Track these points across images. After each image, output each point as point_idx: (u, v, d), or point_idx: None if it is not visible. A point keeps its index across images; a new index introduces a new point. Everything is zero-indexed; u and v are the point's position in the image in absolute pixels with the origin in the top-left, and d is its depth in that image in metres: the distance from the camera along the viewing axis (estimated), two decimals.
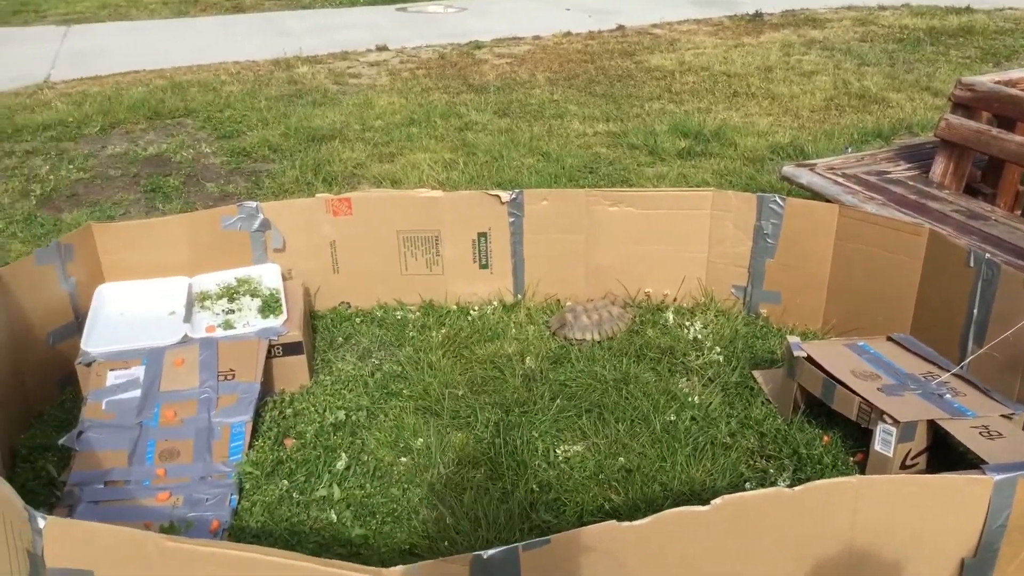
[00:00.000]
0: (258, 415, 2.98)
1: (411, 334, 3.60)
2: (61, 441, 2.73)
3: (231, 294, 3.42)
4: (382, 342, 3.56)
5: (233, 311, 3.34)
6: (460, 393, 3.18)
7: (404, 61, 8.62)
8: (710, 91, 7.19)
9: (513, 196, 3.73)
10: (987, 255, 3.03)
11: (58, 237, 3.73)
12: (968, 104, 3.86)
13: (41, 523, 1.75)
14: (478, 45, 9.22)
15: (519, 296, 3.87)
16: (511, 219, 3.77)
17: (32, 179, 5.43)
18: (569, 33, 9.69)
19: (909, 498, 2.01)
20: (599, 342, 3.54)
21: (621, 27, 9.89)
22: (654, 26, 9.92)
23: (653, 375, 3.31)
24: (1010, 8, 9.79)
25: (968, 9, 9.76)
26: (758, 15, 10.06)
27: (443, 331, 3.61)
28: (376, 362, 3.41)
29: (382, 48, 9.18)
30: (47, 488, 2.70)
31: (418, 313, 3.76)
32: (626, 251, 3.81)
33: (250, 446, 2.83)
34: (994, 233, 3.40)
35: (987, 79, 3.91)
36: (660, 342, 3.53)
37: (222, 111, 6.81)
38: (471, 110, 6.77)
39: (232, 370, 2.99)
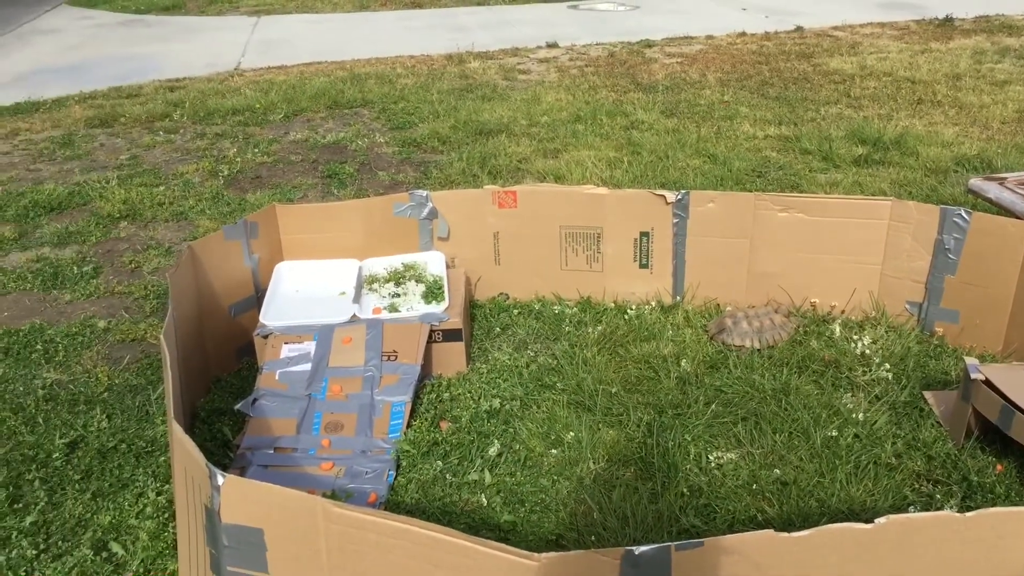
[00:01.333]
0: (417, 396, 3.08)
1: (567, 329, 3.63)
2: (237, 407, 2.92)
3: (397, 278, 3.55)
4: (538, 335, 3.60)
5: (399, 295, 3.46)
6: (613, 391, 3.17)
7: (573, 58, 8.66)
8: (892, 97, 6.86)
9: (679, 197, 3.69)
10: None
11: (243, 215, 3.98)
12: None
13: (220, 480, 1.87)
14: (648, 44, 9.16)
15: (678, 298, 3.83)
16: (675, 220, 3.73)
17: (221, 160, 5.81)
18: (744, 33, 9.47)
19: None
20: (759, 350, 3.45)
21: (799, 28, 9.58)
22: (835, 28, 9.55)
23: (815, 388, 3.20)
24: None
25: None
26: (948, 19, 9.51)
27: (599, 328, 3.61)
28: (532, 354, 3.45)
29: (552, 45, 9.26)
30: (222, 449, 2.89)
31: (575, 308, 3.79)
32: (793, 258, 3.70)
33: (408, 425, 2.93)
34: None
35: None
36: (824, 354, 3.40)
37: (396, 103, 7.06)
38: (638, 109, 6.74)
39: (395, 351, 3.10)
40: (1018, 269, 3.32)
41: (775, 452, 2.84)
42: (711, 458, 2.81)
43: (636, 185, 5.14)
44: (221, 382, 3.31)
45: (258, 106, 6.97)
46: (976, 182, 3.99)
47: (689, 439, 2.90)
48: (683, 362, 3.37)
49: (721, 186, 5.14)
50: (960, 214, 3.43)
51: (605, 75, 7.90)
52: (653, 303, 3.80)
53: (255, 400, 2.90)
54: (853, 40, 8.92)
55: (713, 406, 3.07)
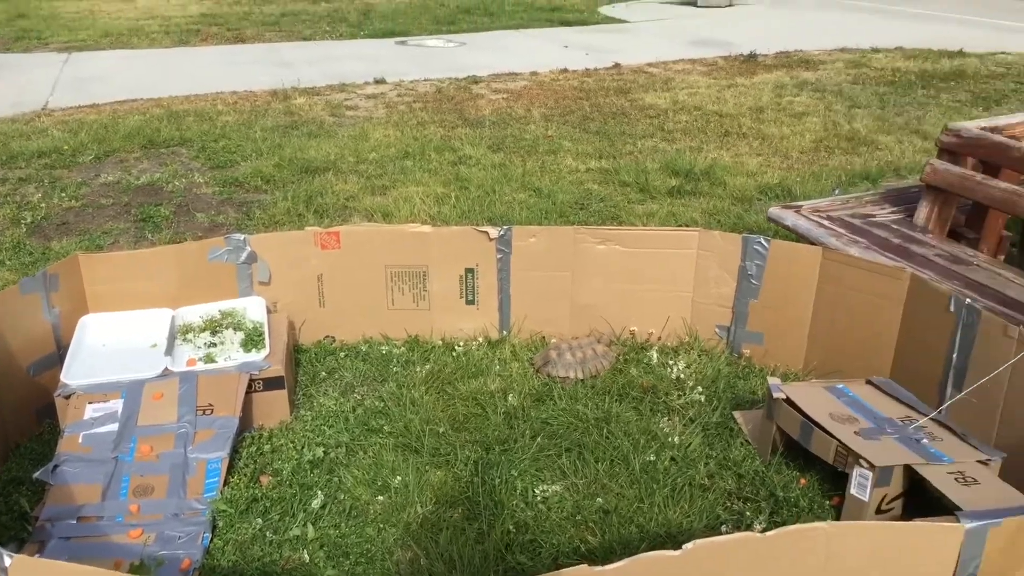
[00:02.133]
0: (235, 451, 2.97)
1: (395, 369, 3.60)
2: (36, 475, 2.72)
3: (214, 327, 3.43)
4: (365, 377, 3.56)
5: (215, 344, 3.34)
6: (441, 430, 3.17)
7: (401, 94, 8.69)
8: (702, 130, 7.25)
9: (502, 233, 3.75)
10: (968, 300, 3.04)
11: (45, 266, 3.74)
12: (954, 150, 3.90)
13: (7, 561, 1.74)
14: (475, 80, 9.31)
15: (504, 333, 3.88)
16: (499, 255, 3.78)
17: (24, 207, 5.46)
18: (566, 70, 9.78)
19: (880, 545, 2.01)
20: (582, 380, 3.54)
21: (617, 65, 9.99)
22: (650, 65, 10.01)
23: (635, 414, 3.30)
24: (1002, 53, 9.90)
25: (960, 53, 9.87)
26: (752, 56, 10.17)
27: (427, 367, 3.61)
28: (358, 397, 3.41)
29: (380, 81, 9.26)
30: (19, 523, 2.69)
31: (403, 348, 3.77)
32: (612, 289, 3.83)
33: (226, 483, 2.82)
34: (976, 279, 3.42)
35: (973, 125, 3.95)
36: (643, 381, 3.53)
37: (217, 141, 6.86)
38: (465, 144, 6.82)
39: (211, 404, 2.98)
40: (813, 291, 3.56)
41: (598, 481, 2.91)
42: (537, 492, 2.85)
43: (464, 220, 5.20)
44: (20, 448, 3.09)
45: (66, 147, 6.60)
46: (775, 211, 4.26)
47: (516, 474, 2.93)
48: (510, 396, 3.41)
49: (546, 219, 5.27)
50: (760, 242, 3.64)
51: (433, 111, 7.97)
52: (480, 339, 3.83)
53: (56, 466, 2.72)
54: (666, 76, 9.38)
55: (539, 439, 3.12)
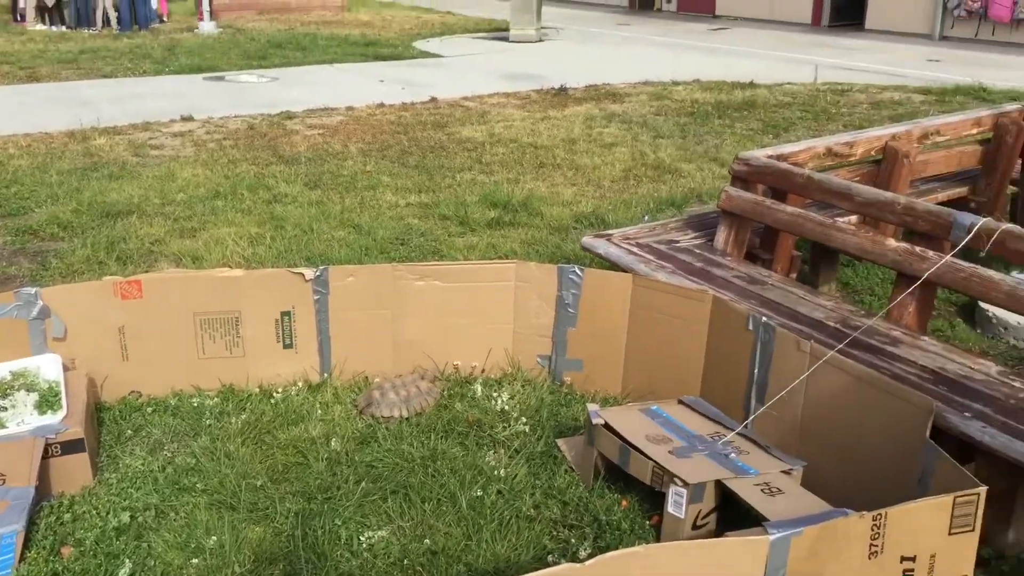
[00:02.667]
0: (32, 523, 2.74)
1: (208, 422, 3.44)
2: None
3: (4, 390, 3.17)
4: (176, 432, 3.38)
5: (6, 408, 3.08)
6: (259, 483, 3.05)
7: (211, 132, 8.40)
8: (518, 162, 7.40)
9: (318, 273, 3.68)
10: (764, 319, 3.24)
11: None
12: (745, 177, 4.16)
13: None
14: (289, 115, 9.14)
15: (325, 375, 3.79)
16: (316, 296, 3.70)
17: None
18: (383, 104, 9.77)
19: (694, 562, 2.09)
20: (407, 419, 3.50)
21: (434, 99, 10.07)
22: (465, 99, 10.16)
23: (461, 450, 3.30)
24: (788, 83, 10.69)
25: (751, 84, 10.58)
26: (563, 89, 10.51)
27: (243, 417, 3.47)
28: (168, 455, 3.23)
29: (187, 118, 8.93)
30: None
31: (217, 399, 3.61)
32: (434, 324, 3.82)
33: (22, 558, 2.59)
34: (771, 297, 3.64)
35: (761, 154, 4.23)
36: (468, 415, 3.53)
37: (8, 187, 6.39)
38: (280, 182, 6.66)
39: (3, 475, 2.75)
40: (626, 317, 3.68)
41: (425, 522, 2.88)
42: (362, 539, 2.79)
43: (280, 261, 5.06)
44: None
45: None
46: (588, 240, 4.39)
47: (340, 523, 2.85)
48: (333, 441, 3.32)
49: (367, 256, 5.21)
50: (574, 271, 3.74)
51: (245, 148, 7.75)
52: (300, 384, 3.72)
53: None
54: (482, 109, 9.54)
55: (364, 483, 3.06)
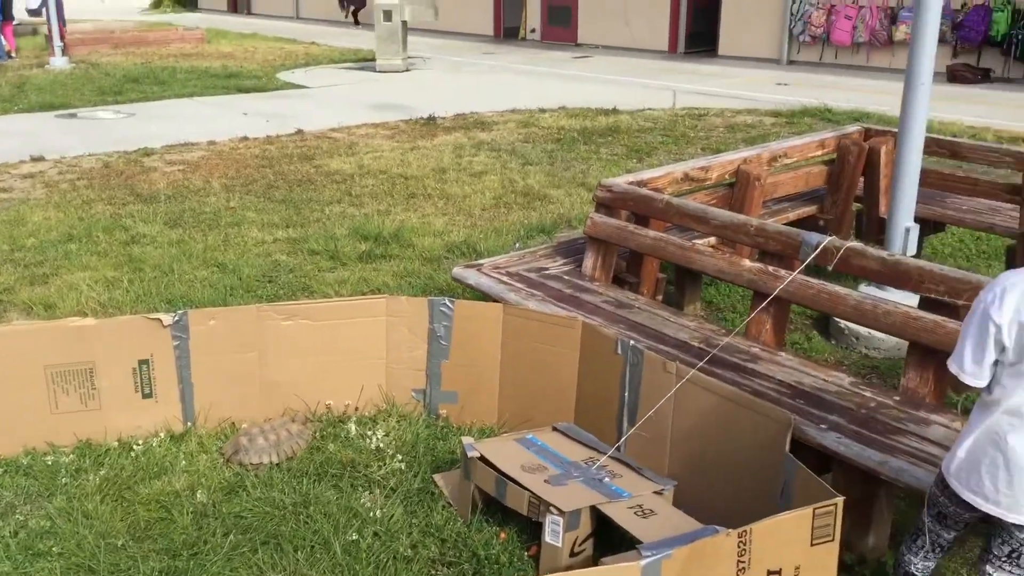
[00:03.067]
0: None
1: (63, 480, 3.25)
2: None
3: None
4: (28, 494, 3.17)
5: None
6: (120, 543, 2.89)
7: (63, 172, 8.02)
8: (389, 193, 7.36)
9: (176, 318, 3.54)
10: (632, 342, 3.30)
11: None
12: (608, 204, 4.25)
13: None
14: (147, 152, 8.82)
15: (189, 424, 3.64)
16: (176, 342, 3.56)
17: None
18: (246, 138, 9.55)
19: None
20: (278, 464, 3.40)
21: (300, 131, 9.92)
22: (333, 130, 10.05)
23: (335, 493, 3.22)
24: (648, 109, 11.03)
25: (615, 111, 10.87)
26: (432, 119, 10.54)
27: (102, 473, 3.29)
28: (20, 518, 3.03)
29: (38, 158, 8.50)
30: None
31: (73, 455, 3.41)
32: (304, 364, 3.74)
33: None
34: (639, 320, 3.72)
35: (622, 181, 4.33)
36: (342, 456, 3.46)
37: None
38: (138, 222, 6.41)
39: None
40: (499, 347, 3.69)
41: (298, 572, 2.79)
42: None
43: (140, 305, 4.85)
44: None
45: None
46: (458, 270, 4.39)
47: None
48: (199, 493, 3.19)
49: (232, 295, 5.06)
50: (445, 303, 3.73)
51: (100, 188, 7.42)
52: (162, 434, 3.56)
53: None
54: (350, 141, 9.45)
55: (232, 536, 2.94)
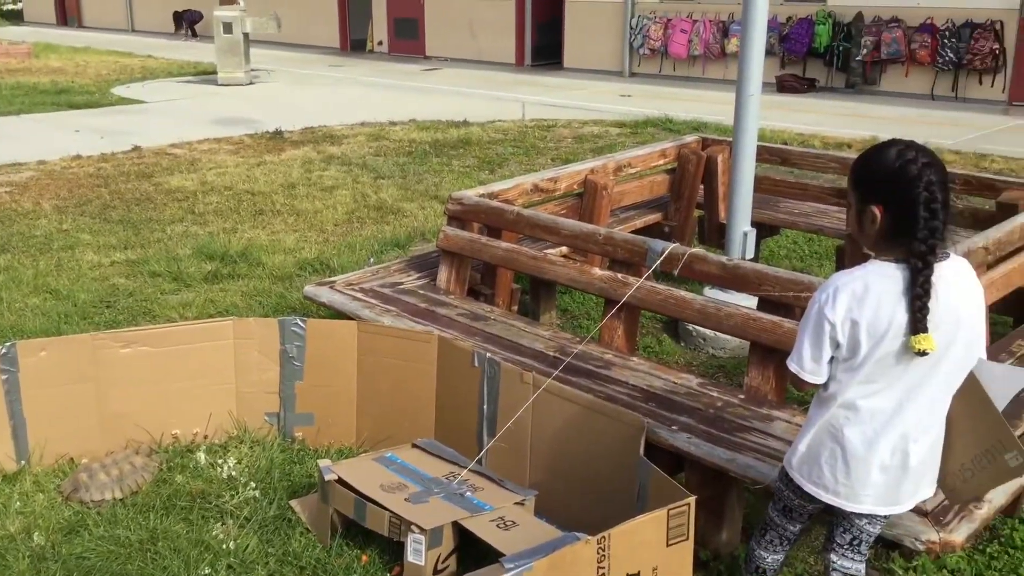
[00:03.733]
0: None
1: None
2: None
3: None
4: None
5: None
6: None
7: None
8: (235, 210, 7.13)
9: (3, 351, 3.30)
10: (488, 354, 3.31)
11: None
12: (460, 216, 4.25)
13: None
14: None
15: (23, 463, 3.40)
16: (4, 376, 3.33)
17: None
18: (79, 156, 9.07)
19: None
20: (121, 499, 3.22)
21: (137, 148, 9.49)
22: (173, 146, 9.66)
23: (185, 526, 3.08)
24: (499, 120, 11.15)
25: (465, 123, 10.93)
26: (278, 133, 10.29)
27: None
28: None
29: None
30: None
31: None
32: (146, 393, 3.56)
33: None
34: (494, 332, 3.74)
35: (472, 193, 4.35)
36: (191, 487, 3.31)
37: None
38: None
39: None
40: (355, 365, 3.63)
41: None
42: None
43: None
44: None
45: None
46: (310, 288, 4.29)
47: None
48: (35, 535, 2.98)
49: (67, 323, 4.77)
50: (297, 323, 3.64)
51: None
52: None
53: None
54: (192, 157, 9.11)
55: None
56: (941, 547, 2.32)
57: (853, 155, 5.58)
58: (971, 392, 2.10)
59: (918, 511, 2.41)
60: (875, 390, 2.11)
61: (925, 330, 2.00)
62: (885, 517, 2.25)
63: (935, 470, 2.20)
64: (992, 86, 12.13)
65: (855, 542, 2.28)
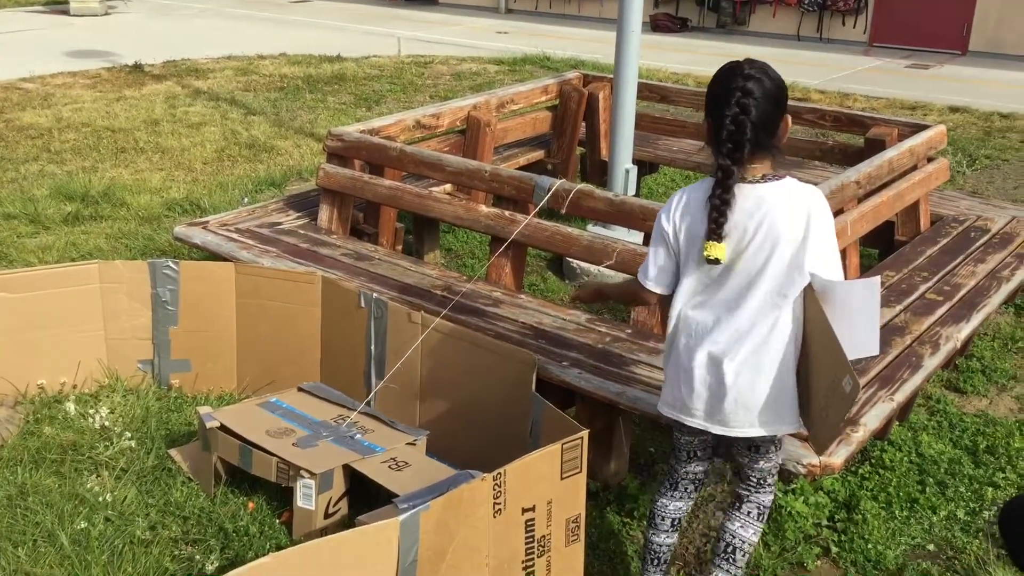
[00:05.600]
0: None
1: None
2: None
3: None
4: None
5: None
6: None
7: None
8: (95, 148, 6.71)
9: None
10: (375, 294, 3.24)
11: None
12: (340, 153, 4.11)
13: None
14: None
15: None
16: None
17: None
18: None
19: (326, 561, 2.02)
20: None
21: None
22: (23, 80, 8.99)
23: (56, 480, 2.92)
24: (374, 56, 10.83)
25: (339, 57, 10.57)
26: (138, 66, 9.71)
27: None
28: None
29: None
30: None
31: None
32: (6, 342, 3.34)
33: None
34: (380, 272, 3.65)
35: (353, 129, 4.21)
36: (62, 439, 3.13)
37: None
38: None
39: None
40: (233, 308, 3.49)
41: (20, 570, 2.50)
42: None
43: None
44: None
45: None
46: (181, 229, 4.08)
47: None
48: None
49: None
50: (169, 265, 3.46)
51: None
52: None
53: None
54: (45, 92, 8.49)
55: None
56: (821, 470, 2.43)
57: None
58: (815, 321, 2.07)
59: (799, 436, 2.51)
60: (698, 302, 2.17)
61: (718, 239, 2.06)
62: (751, 442, 2.23)
63: (785, 405, 2.14)
64: (855, 27, 12.58)
65: (754, 459, 2.28)
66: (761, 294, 2.10)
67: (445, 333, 3.03)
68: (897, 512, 2.88)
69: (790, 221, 2.08)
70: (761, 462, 2.29)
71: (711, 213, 2.07)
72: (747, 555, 2.34)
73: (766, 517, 2.37)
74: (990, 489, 2.99)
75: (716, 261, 2.08)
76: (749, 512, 2.33)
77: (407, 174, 4.22)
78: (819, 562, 2.72)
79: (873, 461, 3.11)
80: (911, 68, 11.02)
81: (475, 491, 2.17)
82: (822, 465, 2.42)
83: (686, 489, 2.41)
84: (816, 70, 10.54)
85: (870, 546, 2.74)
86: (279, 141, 7.05)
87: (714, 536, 2.59)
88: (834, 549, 2.74)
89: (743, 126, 2.04)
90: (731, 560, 2.32)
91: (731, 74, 2.11)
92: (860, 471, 3.05)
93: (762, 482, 2.32)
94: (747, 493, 2.33)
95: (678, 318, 2.21)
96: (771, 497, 2.35)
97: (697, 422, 2.21)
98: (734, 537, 2.33)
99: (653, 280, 2.24)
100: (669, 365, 2.26)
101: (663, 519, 2.41)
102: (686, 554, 2.79)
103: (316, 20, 14.11)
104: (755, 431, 2.18)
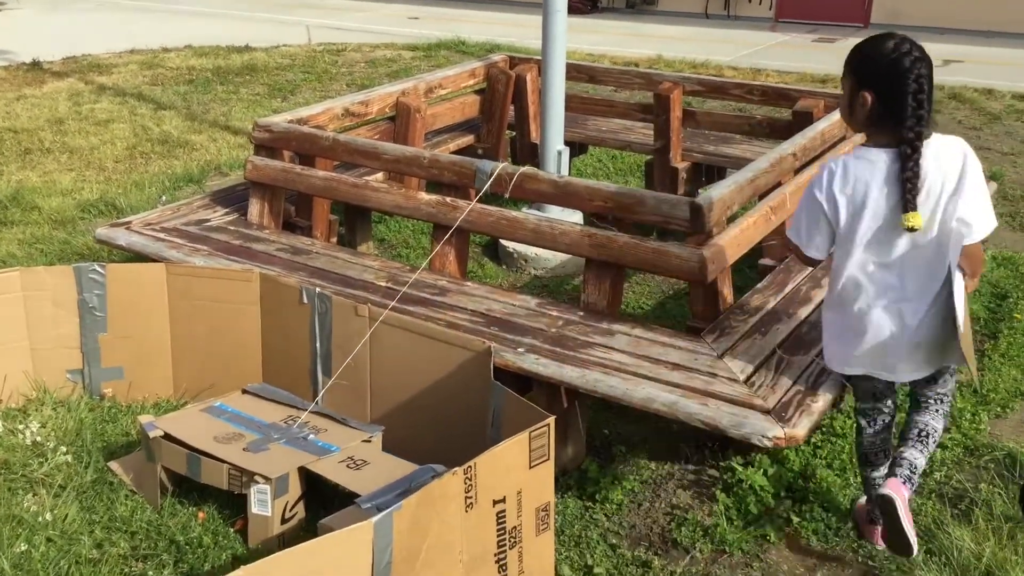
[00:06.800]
0: None
1: None
2: None
3: None
4: None
5: None
6: None
7: None
8: None
9: None
10: (317, 289, 3.13)
11: None
12: (269, 144, 3.97)
13: None
14: None
15: None
16: None
17: None
18: None
19: (299, 571, 1.94)
20: None
21: None
22: None
23: None
24: (284, 45, 10.55)
25: (248, 48, 10.26)
26: (36, 64, 9.25)
27: None
28: None
29: None
30: None
31: None
32: None
33: None
34: (318, 266, 3.54)
35: (281, 119, 4.06)
36: None
37: None
38: None
39: None
40: (166, 310, 3.34)
41: None
42: None
43: None
44: None
45: None
46: (103, 231, 3.89)
47: None
48: None
49: None
50: (95, 269, 3.30)
51: None
52: None
53: None
54: None
55: None
56: (787, 441, 2.44)
57: (657, 72, 5.70)
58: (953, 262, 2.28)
59: (761, 410, 2.52)
60: (876, 263, 2.33)
61: (915, 208, 2.22)
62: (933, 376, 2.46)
63: (953, 339, 2.32)
64: (760, 3, 12.81)
65: (932, 396, 2.50)
66: (935, 245, 2.30)
67: (394, 325, 2.96)
68: (852, 479, 2.93)
69: (950, 173, 2.27)
70: (942, 388, 2.50)
71: (905, 185, 2.22)
72: (936, 442, 2.51)
73: (948, 419, 2.61)
74: (939, 451, 3.06)
75: (913, 229, 2.23)
76: (937, 409, 2.51)
77: (339, 164, 4.10)
78: (782, 532, 2.75)
79: (824, 429, 3.16)
80: (817, 42, 11.29)
81: (447, 486, 2.11)
82: (787, 437, 2.44)
83: (884, 422, 2.57)
84: (726, 47, 10.70)
85: (830, 514, 2.78)
86: (193, 136, 6.81)
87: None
88: (795, 519, 2.77)
89: (924, 102, 2.21)
90: (924, 443, 2.48)
91: (898, 52, 2.24)
92: (813, 439, 3.09)
93: (941, 400, 2.51)
94: (929, 405, 2.52)
95: (850, 282, 2.37)
96: (948, 414, 2.55)
97: (886, 374, 2.43)
98: (927, 425, 2.50)
99: (817, 249, 2.44)
100: (844, 326, 2.44)
101: (876, 454, 2.58)
102: (651, 534, 2.78)
103: (219, 10, 13.68)
104: (935, 368, 2.44)
